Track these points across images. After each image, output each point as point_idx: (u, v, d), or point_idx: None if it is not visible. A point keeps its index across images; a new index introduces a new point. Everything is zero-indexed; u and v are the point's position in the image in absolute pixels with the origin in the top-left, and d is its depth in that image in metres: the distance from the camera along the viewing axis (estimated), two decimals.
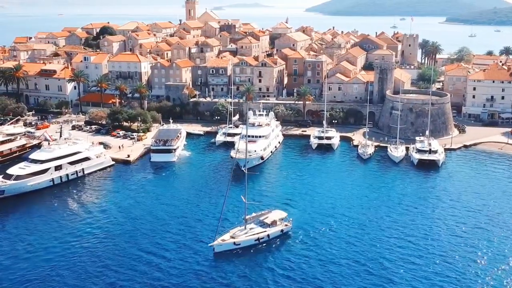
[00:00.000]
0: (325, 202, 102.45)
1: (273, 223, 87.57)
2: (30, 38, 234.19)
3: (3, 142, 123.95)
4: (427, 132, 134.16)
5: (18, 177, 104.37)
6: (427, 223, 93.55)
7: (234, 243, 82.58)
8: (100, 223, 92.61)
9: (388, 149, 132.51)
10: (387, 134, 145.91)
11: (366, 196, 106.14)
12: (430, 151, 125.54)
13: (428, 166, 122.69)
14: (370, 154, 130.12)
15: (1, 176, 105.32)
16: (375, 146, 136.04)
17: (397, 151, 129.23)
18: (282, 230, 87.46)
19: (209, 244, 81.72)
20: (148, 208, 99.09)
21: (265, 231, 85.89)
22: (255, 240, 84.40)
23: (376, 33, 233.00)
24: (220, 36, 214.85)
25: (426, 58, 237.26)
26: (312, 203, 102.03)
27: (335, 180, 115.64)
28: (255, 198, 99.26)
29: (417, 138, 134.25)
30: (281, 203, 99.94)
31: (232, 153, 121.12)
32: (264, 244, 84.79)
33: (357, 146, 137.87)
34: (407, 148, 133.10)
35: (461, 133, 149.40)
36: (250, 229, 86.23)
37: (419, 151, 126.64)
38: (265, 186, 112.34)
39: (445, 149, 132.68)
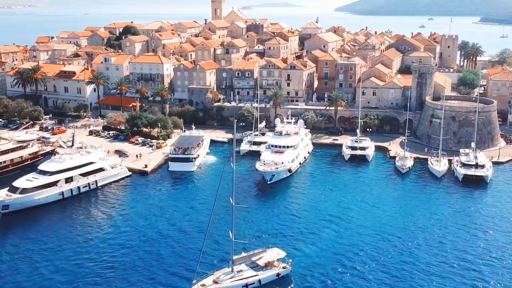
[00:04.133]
0: (353, 228, 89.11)
1: (268, 265, 72.30)
2: (52, 38, 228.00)
3: (13, 150, 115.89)
4: (472, 144, 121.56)
5: (24, 190, 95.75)
6: (483, 250, 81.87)
7: None
8: (104, 245, 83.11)
9: (429, 162, 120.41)
10: (427, 145, 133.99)
11: (405, 218, 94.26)
12: (476, 166, 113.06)
13: (475, 183, 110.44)
14: (409, 167, 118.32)
15: (7, 188, 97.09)
16: (414, 158, 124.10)
17: (439, 165, 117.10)
18: (278, 274, 72.27)
19: None
20: (155, 229, 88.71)
21: (256, 275, 70.92)
22: (243, 287, 69.89)
23: (411, 33, 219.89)
24: (247, 36, 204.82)
25: (465, 61, 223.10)
26: (336, 230, 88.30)
27: (368, 198, 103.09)
28: (261, 224, 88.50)
29: (461, 150, 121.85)
30: (293, 234, 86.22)
31: (257, 165, 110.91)
32: None
33: (394, 157, 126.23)
34: (449, 161, 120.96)
35: (509, 144, 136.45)
36: (238, 272, 71.10)
37: (464, 165, 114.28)
38: (283, 208, 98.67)
39: (493, 163, 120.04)
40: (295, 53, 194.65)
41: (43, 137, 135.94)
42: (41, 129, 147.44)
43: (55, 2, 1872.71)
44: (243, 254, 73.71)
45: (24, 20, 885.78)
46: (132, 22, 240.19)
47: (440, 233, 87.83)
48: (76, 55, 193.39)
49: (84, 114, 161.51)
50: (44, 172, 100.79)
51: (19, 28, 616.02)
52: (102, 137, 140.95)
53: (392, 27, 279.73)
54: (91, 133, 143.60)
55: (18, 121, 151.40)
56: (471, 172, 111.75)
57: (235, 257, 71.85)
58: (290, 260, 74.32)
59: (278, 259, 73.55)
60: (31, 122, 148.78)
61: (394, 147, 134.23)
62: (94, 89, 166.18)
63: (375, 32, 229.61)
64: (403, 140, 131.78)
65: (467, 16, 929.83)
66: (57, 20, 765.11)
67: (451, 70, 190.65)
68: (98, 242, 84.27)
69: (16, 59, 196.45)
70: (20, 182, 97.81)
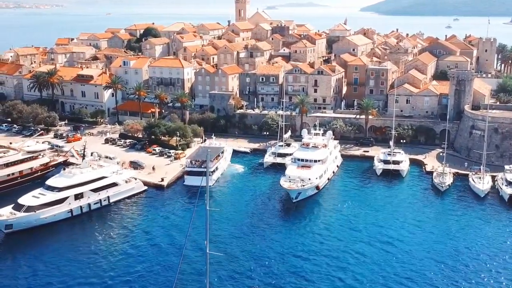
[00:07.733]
0: (383, 260, 79.12)
1: None
2: (72, 39, 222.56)
3: (23, 161, 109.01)
4: None
5: (29, 208, 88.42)
6: None
7: None
8: (110, 273, 75.24)
9: (470, 179, 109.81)
10: (466, 158, 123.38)
11: (446, 245, 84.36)
12: None
13: None
14: (448, 185, 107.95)
15: (12, 206, 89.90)
16: (453, 174, 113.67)
17: (482, 183, 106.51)
18: None
19: None
20: (160, 256, 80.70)
21: None
22: None
23: (445, 36, 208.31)
24: (272, 39, 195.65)
25: (503, 65, 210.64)
26: (365, 262, 78.59)
27: (404, 222, 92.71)
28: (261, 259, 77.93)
29: (506, 166, 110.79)
30: (299, 273, 75.03)
31: (282, 182, 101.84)
32: None
33: (430, 172, 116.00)
34: (492, 178, 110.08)
35: None
36: None
37: (510, 183, 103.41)
38: (301, 234, 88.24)
39: None
40: (323, 57, 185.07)
41: (57, 146, 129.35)
42: (56, 136, 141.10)
43: (81, 1, 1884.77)
44: None
45: (50, 20, 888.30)
46: (153, 23, 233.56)
47: (490, 262, 78.17)
48: (95, 58, 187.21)
49: (101, 120, 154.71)
50: (52, 188, 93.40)
51: (44, 28, 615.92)
52: (118, 145, 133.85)
53: (418, 28, 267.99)
54: (107, 141, 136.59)
55: (32, 127, 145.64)
56: None
57: None
58: None
59: None
60: (42, 131, 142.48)
61: (430, 160, 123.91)
62: (112, 94, 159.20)
63: (407, 34, 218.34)
64: (441, 154, 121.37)
65: (497, 17, 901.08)
66: (79, 20, 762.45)
67: (489, 75, 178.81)
68: (107, 268, 76.49)
69: (34, 62, 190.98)
70: (25, 199, 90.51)
